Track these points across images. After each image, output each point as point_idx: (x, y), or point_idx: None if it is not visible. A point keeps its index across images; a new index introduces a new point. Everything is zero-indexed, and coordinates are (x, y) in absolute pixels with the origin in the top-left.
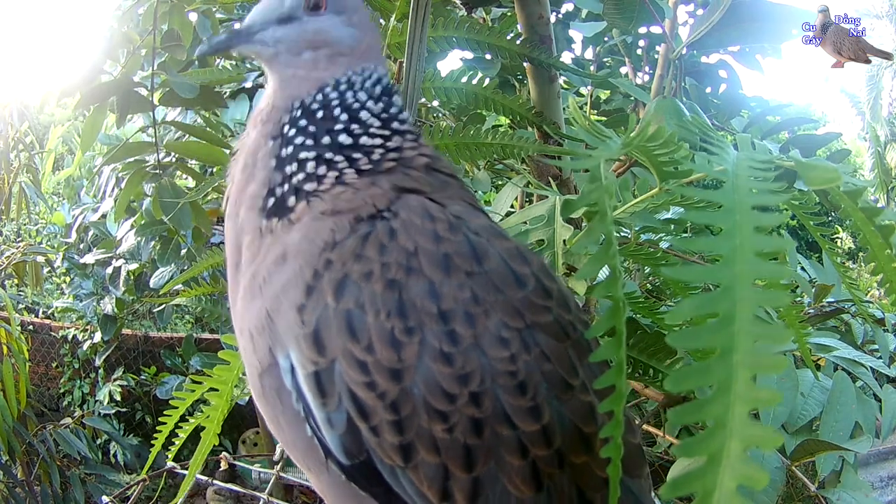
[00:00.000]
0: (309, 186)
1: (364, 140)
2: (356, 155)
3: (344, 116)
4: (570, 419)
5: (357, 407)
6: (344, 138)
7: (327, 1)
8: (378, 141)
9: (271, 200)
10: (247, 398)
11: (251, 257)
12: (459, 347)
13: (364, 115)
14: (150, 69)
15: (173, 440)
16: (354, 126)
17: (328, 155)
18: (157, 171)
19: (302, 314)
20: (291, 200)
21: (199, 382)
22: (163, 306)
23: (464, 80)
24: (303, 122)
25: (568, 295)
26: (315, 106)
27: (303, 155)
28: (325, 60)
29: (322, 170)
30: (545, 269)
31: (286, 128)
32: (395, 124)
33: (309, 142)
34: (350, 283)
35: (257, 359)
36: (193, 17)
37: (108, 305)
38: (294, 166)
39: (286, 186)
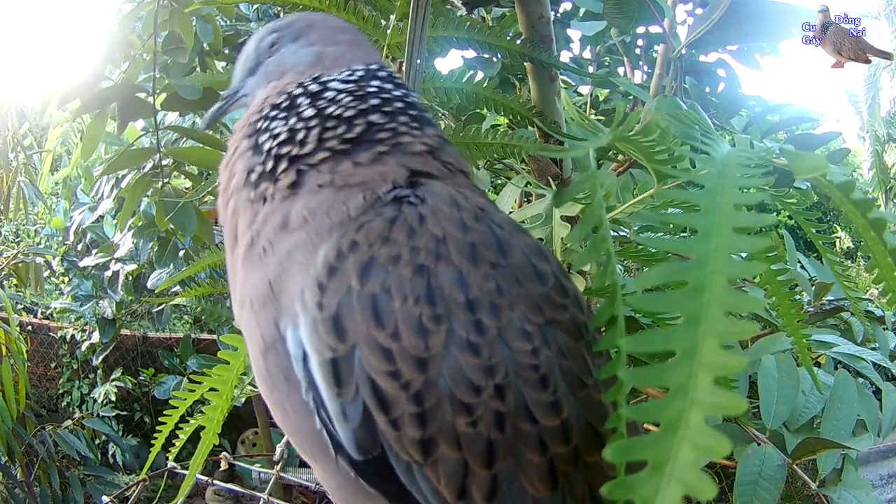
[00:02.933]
0: (285, 149)
1: (332, 110)
2: (329, 123)
3: (307, 100)
4: (585, 416)
5: (377, 398)
6: (310, 112)
7: (281, 37)
8: (351, 112)
9: (254, 175)
10: (244, 399)
11: (246, 225)
12: (486, 338)
13: (330, 94)
14: (151, 73)
15: (174, 441)
16: (320, 102)
17: (299, 125)
18: (159, 179)
19: (321, 296)
20: (269, 164)
21: (198, 383)
22: (162, 307)
23: (464, 79)
24: (273, 113)
25: (581, 296)
26: (283, 103)
27: (276, 131)
28: (288, 78)
29: (300, 135)
30: (561, 268)
31: (259, 123)
32: (374, 101)
33: (280, 123)
34: (377, 266)
35: (260, 333)
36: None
37: (106, 308)
38: (270, 141)
39: (264, 157)
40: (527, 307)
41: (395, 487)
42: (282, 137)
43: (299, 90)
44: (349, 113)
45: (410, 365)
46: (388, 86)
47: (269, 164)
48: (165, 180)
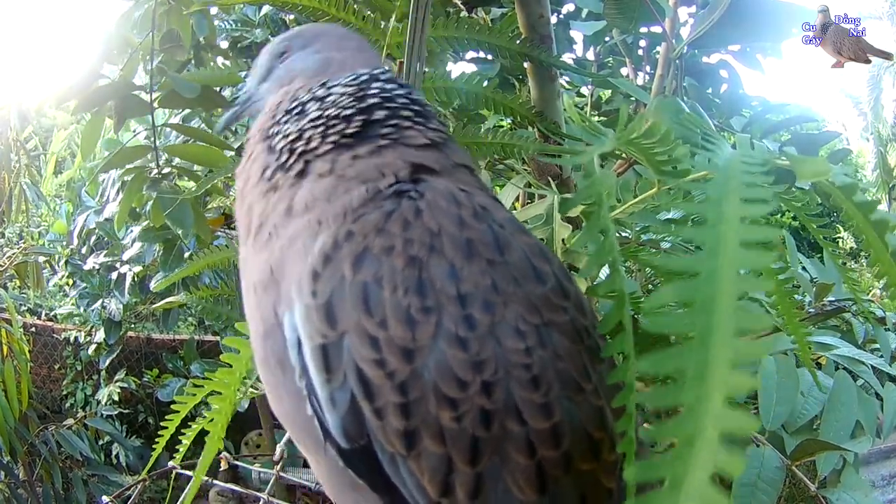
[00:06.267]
0: (298, 146)
1: (332, 111)
2: (332, 122)
3: (315, 104)
4: (580, 422)
5: (363, 385)
6: (316, 114)
7: (291, 46)
8: (350, 111)
9: (269, 170)
10: (247, 403)
11: (258, 214)
12: (476, 333)
13: (333, 97)
14: (148, 71)
15: (177, 447)
16: (325, 105)
17: (308, 125)
18: (158, 177)
19: (315, 283)
20: (283, 158)
21: (200, 386)
22: (167, 307)
23: (464, 79)
24: (283, 118)
25: (584, 299)
26: (292, 106)
27: (287, 132)
28: (297, 83)
29: (308, 134)
30: (564, 270)
31: (272, 128)
32: (374, 100)
33: (291, 125)
34: (370, 257)
35: (261, 317)
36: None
37: (113, 310)
38: (283, 141)
39: (278, 154)
40: (523, 306)
41: (381, 479)
42: (292, 136)
43: (308, 95)
44: (348, 112)
45: (396, 354)
46: (390, 86)
47: (283, 158)
48: (162, 174)
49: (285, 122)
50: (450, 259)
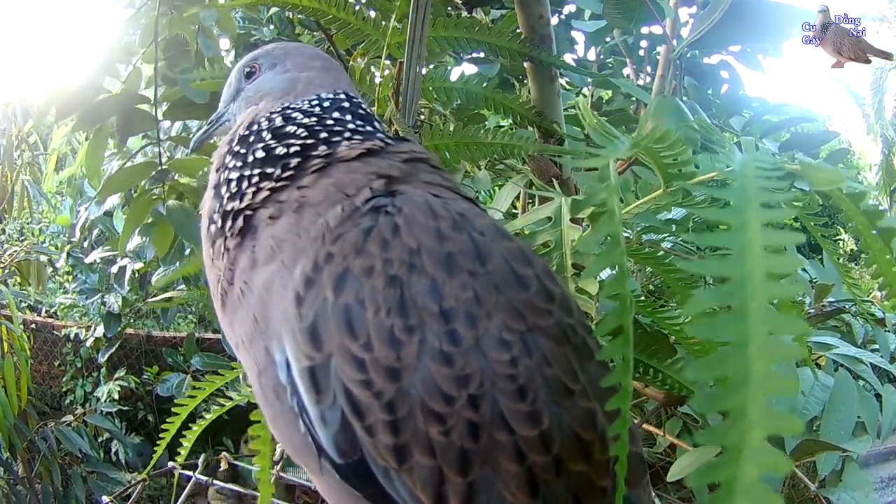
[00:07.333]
0: (231, 205)
1: (279, 150)
2: (269, 170)
3: (268, 136)
4: (569, 425)
5: (352, 405)
6: (259, 153)
7: (260, 65)
8: (294, 149)
9: (212, 227)
10: (247, 401)
11: (216, 282)
12: (460, 348)
13: (290, 128)
14: (153, 82)
15: (179, 450)
16: (273, 142)
17: (246, 172)
18: (163, 198)
19: (300, 307)
20: (219, 223)
21: (201, 388)
22: (166, 300)
23: (464, 79)
24: (237, 148)
25: (570, 298)
26: (247, 133)
27: (231, 176)
28: (265, 102)
29: (244, 185)
30: (548, 271)
31: (225, 157)
32: (324, 134)
33: (238, 163)
34: (351, 278)
35: (254, 361)
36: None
37: (113, 303)
38: (224, 189)
39: (218, 207)
40: (507, 315)
41: (378, 491)
42: (232, 190)
43: (265, 123)
44: (294, 150)
45: (382, 375)
46: (347, 116)
47: (219, 223)
48: (166, 199)
49: (235, 155)
50: (430, 275)
